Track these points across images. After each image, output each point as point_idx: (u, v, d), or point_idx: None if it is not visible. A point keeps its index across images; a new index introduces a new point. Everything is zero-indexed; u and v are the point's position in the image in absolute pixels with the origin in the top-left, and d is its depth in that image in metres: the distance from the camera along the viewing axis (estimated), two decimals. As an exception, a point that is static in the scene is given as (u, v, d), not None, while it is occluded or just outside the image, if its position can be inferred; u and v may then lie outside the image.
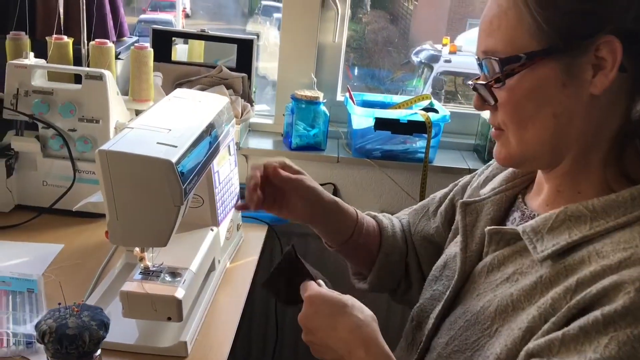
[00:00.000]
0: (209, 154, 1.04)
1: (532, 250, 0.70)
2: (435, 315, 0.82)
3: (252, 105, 1.69)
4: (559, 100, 0.68)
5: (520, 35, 0.68)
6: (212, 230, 1.15)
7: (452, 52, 3.18)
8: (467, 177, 1.00)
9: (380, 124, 1.59)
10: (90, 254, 1.20)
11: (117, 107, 1.34)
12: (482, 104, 0.75)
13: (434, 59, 3.22)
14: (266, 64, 2.18)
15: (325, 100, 1.65)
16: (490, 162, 0.96)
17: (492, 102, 0.72)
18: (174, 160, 0.87)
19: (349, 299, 0.79)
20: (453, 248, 0.89)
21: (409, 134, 1.61)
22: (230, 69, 1.68)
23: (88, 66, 1.43)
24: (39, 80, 1.32)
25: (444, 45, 3.14)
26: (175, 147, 0.91)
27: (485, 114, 1.69)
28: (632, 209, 0.66)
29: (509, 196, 0.84)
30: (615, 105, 0.69)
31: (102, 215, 1.34)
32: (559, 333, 0.61)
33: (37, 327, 0.75)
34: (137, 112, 1.47)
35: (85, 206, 1.25)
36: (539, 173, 0.80)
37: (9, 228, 1.27)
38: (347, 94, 1.67)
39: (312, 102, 1.62)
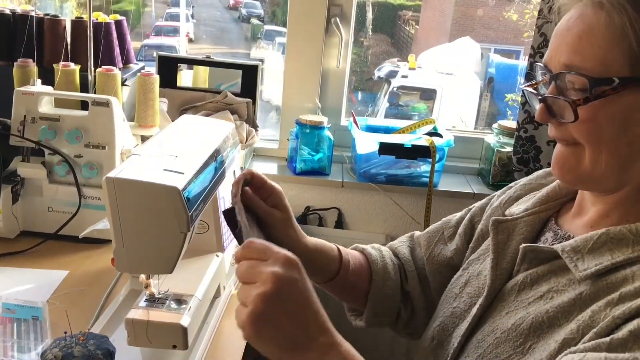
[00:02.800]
0: (215, 180, 1.04)
1: (572, 269, 0.70)
2: (461, 334, 0.80)
3: (256, 130, 1.70)
4: (636, 129, 0.68)
5: (616, 58, 0.67)
6: (217, 256, 1.15)
7: (411, 69, 3.28)
8: (483, 201, 0.99)
9: (385, 148, 1.60)
10: (95, 281, 1.20)
11: (123, 133, 1.35)
12: (548, 117, 0.74)
13: (392, 74, 3.34)
14: (269, 88, 2.20)
15: (329, 125, 1.66)
16: (511, 184, 0.96)
17: (573, 120, 0.70)
18: (180, 186, 0.87)
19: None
20: (476, 266, 0.88)
21: (413, 158, 1.61)
22: (235, 94, 1.70)
23: (95, 93, 1.44)
24: (46, 107, 1.33)
25: (409, 62, 3.25)
26: (182, 173, 0.91)
27: (490, 139, 1.69)
28: None
29: (542, 218, 0.85)
30: None
31: (107, 241, 1.34)
32: (607, 338, 0.61)
33: (43, 356, 0.75)
34: (143, 138, 1.48)
35: (91, 232, 1.25)
36: (583, 195, 0.80)
37: (14, 254, 1.27)
38: (351, 119, 1.68)
39: (317, 127, 1.63)
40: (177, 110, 1.68)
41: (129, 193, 0.86)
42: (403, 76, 2.75)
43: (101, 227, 1.14)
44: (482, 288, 0.83)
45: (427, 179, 1.62)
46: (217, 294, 1.14)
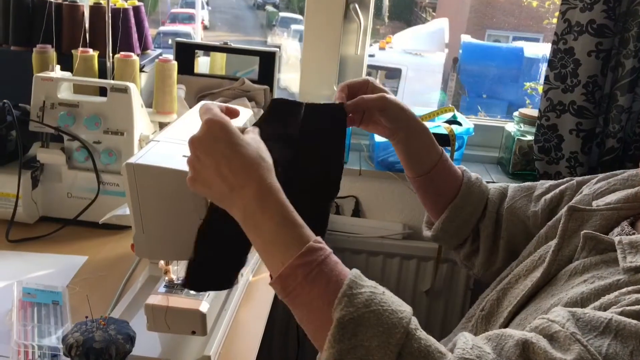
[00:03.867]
0: (233, 167, 1.04)
1: (620, 259, 0.70)
2: (509, 310, 0.81)
3: (274, 118, 1.69)
4: None
5: None
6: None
7: (381, 49, 3.30)
8: (587, 177, 0.98)
9: (403, 136, 1.58)
10: (114, 266, 1.21)
11: (141, 120, 1.35)
12: None
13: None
14: (285, 75, 2.19)
15: (347, 113, 1.65)
16: (615, 172, 0.94)
17: None
18: (200, 173, 0.87)
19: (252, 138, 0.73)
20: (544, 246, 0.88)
21: (432, 146, 1.59)
22: (252, 81, 1.69)
23: (113, 79, 1.44)
24: (65, 93, 1.33)
25: (388, 43, 3.27)
26: (201, 160, 0.91)
27: (510, 127, 1.67)
28: None
29: (621, 216, 0.83)
30: None
31: (126, 227, 1.35)
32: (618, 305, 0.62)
33: (64, 340, 0.75)
34: (161, 125, 1.48)
35: (110, 218, 1.26)
36: None
37: (34, 239, 1.28)
38: (369, 106, 1.66)
39: (334, 114, 1.62)
40: (195, 97, 1.68)
41: (148, 179, 0.86)
42: (370, 55, 2.80)
43: (120, 213, 1.14)
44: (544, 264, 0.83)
45: (446, 168, 1.60)
46: (235, 281, 1.14)
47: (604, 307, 0.64)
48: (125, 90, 1.30)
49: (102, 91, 1.38)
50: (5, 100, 1.28)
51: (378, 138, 1.63)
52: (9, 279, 1.11)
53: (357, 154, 1.74)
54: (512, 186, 1.05)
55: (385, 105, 0.91)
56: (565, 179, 1.01)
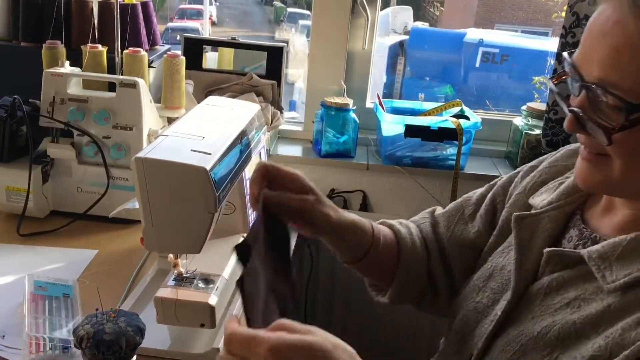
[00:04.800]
0: (241, 161, 1.04)
1: (600, 279, 0.67)
2: (485, 334, 0.78)
3: (281, 113, 1.69)
4: None
5: None
6: (243, 237, 1.15)
7: None
8: (504, 177, 0.94)
9: (411, 130, 1.58)
10: (124, 260, 1.22)
11: (150, 115, 1.36)
12: (578, 129, 0.67)
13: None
14: (293, 70, 2.19)
15: (354, 107, 1.65)
16: (534, 163, 0.91)
17: (606, 144, 0.64)
18: (208, 167, 0.87)
19: (324, 339, 0.57)
20: (500, 259, 0.84)
21: (439, 141, 1.60)
22: (260, 76, 1.69)
23: (122, 74, 1.45)
24: (75, 88, 1.34)
25: None
26: (209, 154, 0.91)
27: (518, 121, 1.67)
28: None
29: (568, 212, 0.80)
30: None
31: (135, 222, 1.36)
32: None
33: (74, 332, 0.76)
34: (169, 120, 1.48)
35: (119, 212, 1.27)
36: None
37: (45, 233, 1.29)
38: (377, 101, 1.67)
39: (342, 109, 1.62)
40: (203, 92, 1.68)
41: (157, 173, 0.87)
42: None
43: (130, 206, 1.15)
44: (505, 285, 0.79)
45: (454, 162, 1.60)
46: (243, 275, 1.15)
47: (611, 349, 0.61)
48: (134, 86, 1.31)
49: (111, 86, 1.39)
50: (15, 96, 1.30)
51: (385, 132, 1.63)
52: (21, 273, 1.12)
53: (365, 148, 1.74)
54: (438, 214, 1.00)
55: (307, 213, 0.78)
56: (485, 188, 0.97)
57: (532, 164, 0.92)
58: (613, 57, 0.61)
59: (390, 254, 0.93)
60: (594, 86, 0.63)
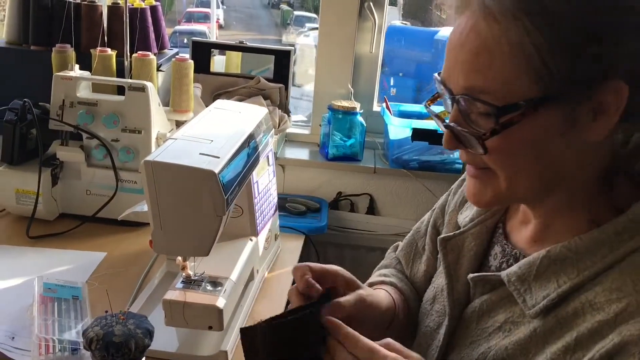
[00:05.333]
0: (249, 165, 1.05)
1: (522, 305, 0.66)
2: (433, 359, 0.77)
3: (289, 116, 1.70)
4: (555, 149, 0.61)
5: (521, 77, 0.58)
6: (251, 240, 1.16)
7: None
8: (443, 197, 0.93)
9: (418, 134, 1.58)
10: (132, 262, 1.22)
11: (158, 118, 1.37)
12: (457, 145, 0.65)
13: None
14: (300, 73, 2.19)
15: (362, 111, 1.65)
16: (463, 176, 0.87)
17: (482, 152, 0.62)
18: (216, 170, 0.88)
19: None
20: (439, 280, 0.83)
21: (446, 144, 1.59)
22: (267, 80, 1.70)
23: (131, 78, 1.46)
24: (84, 92, 1.36)
25: None
26: (218, 157, 0.92)
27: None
28: (617, 245, 0.61)
29: (489, 226, 0.78)
30: (605, 144, 0.64)
31: (144, 224, 1.37)
32: None
33: (84, 334, 0.77)
34: (178, 123, 1.49)
35: (128, 215, 1.28)
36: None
37: (54, 236, 1.30)
38: (384, 105, 1.67)
39: (349, 112, 1.63)
40: (211, 95, 1.69)
41: (166, 176, 0.88)
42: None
43: (139, 209, 1.16)
44: (445, 307, 0.78)
45: (461, 166, 1.60)
46: (250, 277, 1.15)
47: None
48: (142, 89, 1.32)
49: (120, 90, 1.40)
50: (25, 99, 1.31)
51: (392, 136, 1.64)
52: (30, 274, 1.13)
53: (372, 151, 1.74)
54: (399, 253, 0.98)
55: (361, 312, 0.77)
56: (429, 214, 0.95)
57: (462, 177, 0.89)
58: (473, 63, 0.61)
59: (404, 309, 0.90)
60: (461, 96, 0.62)
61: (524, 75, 0.58)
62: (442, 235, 0.82)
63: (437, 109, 0.74)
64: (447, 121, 0.66)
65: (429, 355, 0.79)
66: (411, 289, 0.93)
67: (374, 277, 0.96)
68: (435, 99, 0.71)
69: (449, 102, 0.66)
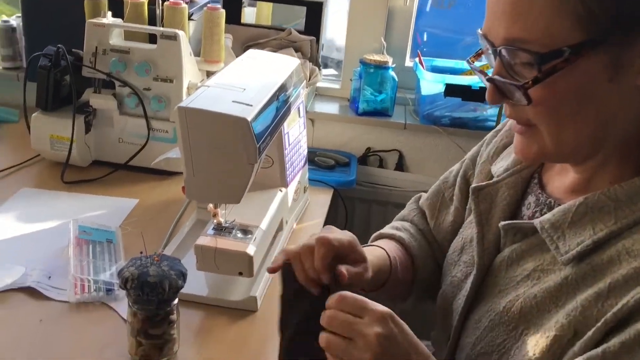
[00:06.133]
0: (281, 115, 1.04)
1: (554, 251, 0.65)
2: (459, 309, 0.77)
3: (319, 69, 1.68)
4: (603, 96, 0.60)
5: (562, 23, 0.57)
6: (280, 191, 1.16)
7: None
8: (475, 148, 0.92)
9: (451, 90, 1.55)
10: (163, 210, 1.24)
11: (189, 67, 1.36)
12: (500, 99, 0.65)
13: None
14: (332, 27, 2.14)
15: (394, 65, 1.63)
16: (499, 127, 0.87)
17: (526, 103, 0.61)
18: (249, 118, 0.88)
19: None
20: (468, 231, 0.83)
21: (480, 101, 1.56)
22: (299, 32, 1.68)
23: (162, 26, 1.45)
24: (116, 39, 1.35)
25: None
26: (250, 105, 0.92)
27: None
28: None
29: (525, 177, 0.77)
30: None
31: (175, 173, 1.38)
32: (599, 350, 0.57)
33: (120, 273, 0.79)
34: (208, 73, 1.49)
35: (159, 164, 1.29)
36: None
37: (87, 182, 1.32)
38: (417, 59, 1.64)
39: (381, 66, 1.60)
40: (241, 47, 1.68)
41: (199, 123, 0.88)
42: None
43: (173, 155, 1.17)
44: (473, 257, 0.78)
45: (494, 123, 1.57)
46: (279, 228, 1.16)
47: (574, 328, 0.60)
48: (174, 38, 1.31)
49: (152, 38, 1.39)
50: (59, 45, 1.31)
51: (425, 91, 1.61)
52: (65, 218, 1.16)
53: (403, 107, 1.72)
54: (422, 202, 0.99)
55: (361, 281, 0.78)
56: (458, 165, 0.94)
57: (497, 127, 0.88)
58: (513, 13, 0.59)
59: (406, 268, 0.92)
60: (503, 47, 0.61)
61: (565, 19, 0.57)
62: (474, 184, 0.81)
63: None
64: (489, 74, 0.64)
65: (456, 305, 0.79)
66: (421, 245, 0.94)
67: (386, 229, 0.98)
68: (479, 54, 0.70)
69: (491, 55, 0.64)
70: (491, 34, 0.63)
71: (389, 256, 0.89)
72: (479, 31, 0.66)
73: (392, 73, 1.62)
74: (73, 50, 1.35)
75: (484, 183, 0.80)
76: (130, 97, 1.34)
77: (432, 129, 1.62)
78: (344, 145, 1.70)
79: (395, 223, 1.00)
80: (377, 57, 1.60)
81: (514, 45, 0.60)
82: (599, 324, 0.58)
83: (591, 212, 0.63)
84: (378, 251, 0.89)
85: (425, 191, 1.01)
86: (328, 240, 0.73)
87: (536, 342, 0.64)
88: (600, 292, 0.60)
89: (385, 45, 1.68)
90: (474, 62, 0.71)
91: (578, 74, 0.58)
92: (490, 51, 0.64)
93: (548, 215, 0.67)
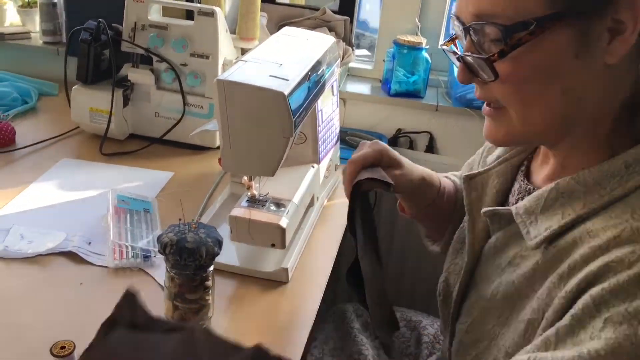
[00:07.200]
0: (316, 91, 1.06)
1: (525, 236, 0.65)
2: (454, 298, 0.79)
3: (352, 50, 1.68)
4: (569, 73, 0.59)
5: None
6: (313, 167, 1.18)
7: None
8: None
9: (484, 72, 1.54)
10: (198, 183, 1.27)
11: (225, 44, 1.38)
12: (470, 78, 0.65)
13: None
14: (366, 6, 2.13)
15: (427, 47, 1.62)
16: None
17: (493, 78, 0.61)
18: (286, 92, 0.89)
19: None
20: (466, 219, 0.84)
21: (513, 84, 1.55)
22: (333, 12, 1.68)
23: (200, 3, 1.47)
24: (155, 15, 1.38)
25: None
26: (287, 80, 0.93)
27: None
28: (627, 177, 0.59)
29: (515, 164, 0.77)
30: (628, 72, 0.61)
31: (209, 148, 1.41)
32: (554, 328, 0.56)
33: (159, 239, 0.81)
34: (243, 51, 1.51)
35: (194, 138, 1.32)
36: None
37: (124, 154, 1.36)
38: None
39: (415, 47, 1.60)
40: (275, 25, 1.69)
41: (237, 95, 0.90)
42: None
43: (210, 127, 1.19)
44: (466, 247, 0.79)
45: (527, 107, 1.56)
46: (311, 203, 1.18)
47: (542, 311, 0.60)
48: (211, 14, 1.33)
49: (189, 15, 1.41)
50: (100, 20, 1.34)
51: (458, 74, 1.60)
52: (103, 188, 1.19)
53: (435, 89, 1.72)
54: (458, 174, 1.01)
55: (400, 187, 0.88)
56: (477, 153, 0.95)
57: None
58: None
59: (450, 203, 0.95)
60: (472, 25, 0.61)
61: None
62: (466, 173, 0.82)
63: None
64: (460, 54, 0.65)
65: (454, 292, 0.80)
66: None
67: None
68: (453, 39, 0.70)
69: (462, 35, 0.65)
70: (462, 13, 0.63)
71: (439, 179, 0.95)
72: (452, 14, 0.66)
73: (425, 54, 1.61)
74: (113, 25, 1.38)
75: (475, 172, 0.81)
76: (167, 72, 1.37)
77: (464, 111, 1.61)
78: (375, 125, 1.71)
79: (455, 173, 1.03)
80: (410, 38, 1.60)
81: (482, 20, 0.60)
82: (554, 303, 0.58)
83: (562, 198, 0.63)
84: (431, 171, 0.95)
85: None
86: (352, 159, 0.87)
87: (515, 327, 0.64)
88: (562, 273, 0.59)
89: (419, 26, 1.67)
90: (449, 47, 0.71)
91: (544, 48, 0.58)
92: (460, 31, 0.65)
93: (524, 202, 0.67)
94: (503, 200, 0.78)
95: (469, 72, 0.65)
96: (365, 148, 0.89)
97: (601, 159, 0.62)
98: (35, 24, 1.80)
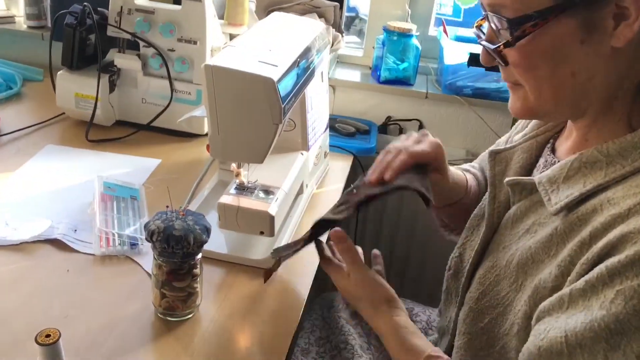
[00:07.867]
0: (305, 77, 1.04)
1: (546, 203, 0.68)
2: (467, 268, 0.81)
3: (342, 36, 1.67)
4: (576, 58, 0.63)
5: None
6: (302, 154, 1.17)
7: None
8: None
9: (475, 60, 1.53)
10: (186, 170, 1.26)
11: (213, 30, 1.36)
12: (491, 61, 0.70)
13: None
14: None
15: (417, 34, 1.61)
16: None
17: (504, 65, 0.68)
18: (275, 78, 0.88)
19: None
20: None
21: (503, 72, 1.55)
22: (322, -2, 1.66)
23: (187, -13, 1.44)
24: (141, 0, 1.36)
25: None
26: (276, 66, 0.92)
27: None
28: None
29: (540, 142, 0.81)
30: (638, 53, 0.63)
31: (196, 135, 1.40)
32: (567, 289, 0.59)
33: (146, 226, 0.80)
34: (231, 37, 1.49)
35: (181, 125, 1.30)
36: None
37: (111, 141, 1.34)
38: (441, 28, 1.62)
39: (404, 34, 1.59)
40: (264, 11, 1.67)
41: (226, 81, 0.88)
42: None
43: (198, 114, 1.18)
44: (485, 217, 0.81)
45: (516, 95, 1.56)
46: (300, 191, 1.17)
47: (566, 276, 0.62)
48: (199, -1, 1.31)
49: (177, 0, 1.39)
50: (85, 3, 1.32)
51: (448, 60, 1.60)
52: (89, 175, 1.18)
53: (425, 77, 1.71)
54: (477, 165, 1.05)
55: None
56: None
57: None
58: None
59: (474, 200, 0.96)
60: (489, 14, 0.66)
61: None
62: (493, 149, 0.85)
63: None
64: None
65: (465, 264, 0.82)
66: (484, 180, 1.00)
67: (459, 167, 1.04)
68: (480, 24, 0.74)
69: (487, 21, 0.69)
70: (483, 0, 0.67)
71: (466, 178, 0.98)
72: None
73: (415, 41, 1.60)
74: (98, 9, 1.36)
75: (501, 148, 0.84)
76: (154, 58, 1.35)
77: (453, 99, 1.61)
78: (365, 113, 1.70)
79: (464, 165, 1.05)
80: (400, 25, 1.59)
81: (494, 9, 0.65)
82: (576, 269, 0.60)
83: (584, 167, 0.66)
84: (458, 171, 0.98)
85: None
86: (410, 151, 0.86)
87: (535, 292, 0.66)
88: (583, 240, 0.61)
89: (409, 13, 1.66)
90: (480, 27, 0.75)
91: (548, 38, 0.62)
92: (484, 18, 0.69)
93: (547, 171, 0.70)
94: (526, 174, 0.80)
95: (490, 56, 0.70)
96: (426, 144, 0.89)
97: (623, 133, 0.65)
98: (20, 8, 1.77)
